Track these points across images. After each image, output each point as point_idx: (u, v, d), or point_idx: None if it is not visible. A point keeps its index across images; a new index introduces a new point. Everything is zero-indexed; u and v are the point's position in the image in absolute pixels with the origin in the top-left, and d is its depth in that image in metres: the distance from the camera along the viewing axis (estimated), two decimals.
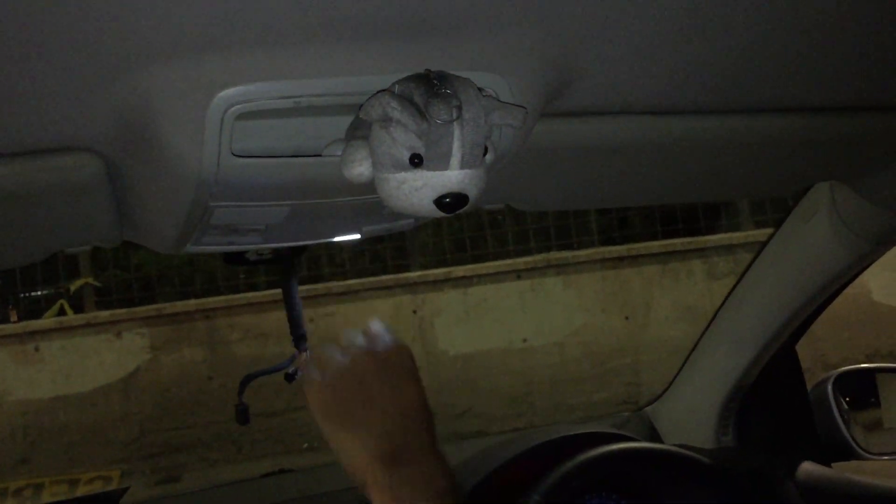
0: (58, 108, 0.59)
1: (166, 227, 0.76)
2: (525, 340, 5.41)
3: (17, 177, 0.65)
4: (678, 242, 5.60)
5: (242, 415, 1.09)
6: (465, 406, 5.34)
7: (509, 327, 5.41)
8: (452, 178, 0.57)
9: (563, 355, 5.40)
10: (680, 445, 1.37)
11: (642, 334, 5.42)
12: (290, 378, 1.06)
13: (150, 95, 0.57)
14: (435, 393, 5.31)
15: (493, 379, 5.34)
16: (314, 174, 0.65)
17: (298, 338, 1.06)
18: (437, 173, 0.57)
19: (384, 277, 5.54)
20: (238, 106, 0.57)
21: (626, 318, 5.45)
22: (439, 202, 0.58)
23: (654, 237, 5.77)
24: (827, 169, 1.04)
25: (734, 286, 1.38)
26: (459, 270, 5.50)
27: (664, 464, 1.29)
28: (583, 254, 5.62)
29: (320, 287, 5.24)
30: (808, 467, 1.38)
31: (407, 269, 5.69)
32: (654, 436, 1.51)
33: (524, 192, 0.91)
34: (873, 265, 1.21)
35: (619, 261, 5.54)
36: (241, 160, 0.61)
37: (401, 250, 5.86)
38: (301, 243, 0.90)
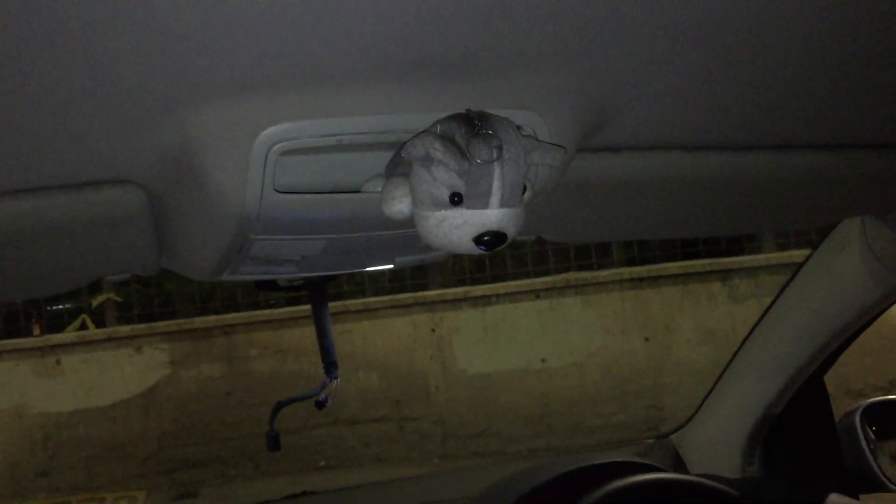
0: (106, 144, 0.60)
1: (205, 258, 0.77)
2: (544, 360, 5.39)
3: (64, 209, 0.67)
4: (698, 264, 5.57)
5: (274, 441, 1.09)
6: (483, 426, 5.32)
7: (528, 347, 5.39)
8: (492, 216, 0.58)
9: (582, 376, 5.38)
10: (705, 476, 1.36)
11: (663, 356, 5.38)
12: (320, 405, 1.07)
13: (196, 133, 0.58)
14: (453, 412, 5.33)
15: (512, 399, 5.32)
16: (354, 209, 0.66)
17: (329, 365, 1.07)
18: (477, 212, 0.57)
19: (403, 296, 5.55)
20: (282, 143, 0.58)
21: (646, 339, 5.42)
22: (478, 240, 0.58)
23: (673, 258, 5.74)
24: (860, 203, 1.04)
25: (762, 315, 1.37)
26: (478, 289, 5.50)
27: (689, 495, 1.28)
28: (602, 274, 5.61)
29: (339, 305, 5.26)
30: (835, 499, 1.36)
31: (426, 287, 5.70)
32: (679, 464, 1.50)
33: (558, 224, 0.91)
34: None
35: (639, 282, 5.52)
36: (284, 196, 0.62)
37: (420, 269, 5.87)
38: (334, 273, 0.91)
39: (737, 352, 1.43)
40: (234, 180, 0.60)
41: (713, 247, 5.69)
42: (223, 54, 0.51)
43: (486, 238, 0.58)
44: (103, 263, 0.82)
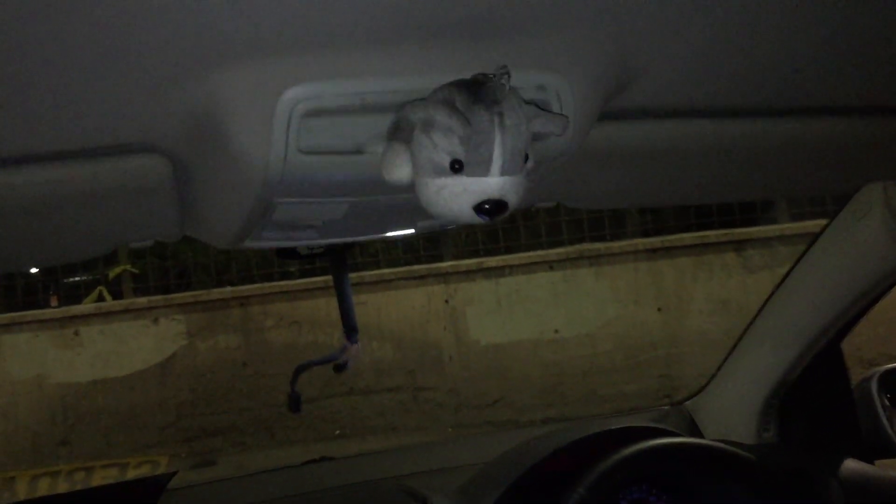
0: (130, 108, 0.61)
1: (228, 223, 0.77)
2: (556, 331, 5.41)
3: (88, 177, 0.67)
4: (712, 235, 5.54)
5: (295, 403, 1.11)
6: (497, 395, 5.35)
7: (541, 318, 5.41)
8: (492, 184, 0.57)
9: (595, 347, 5.39)
10: (721, 441, 1.36)
11: (675, 327, 5.38)
12: (339, 369, 1.08)
13: (220, 95, 0.58)
14: (466, 382, 5.37)
15: (525, 369, 5.35)
16: (376, 170, 0.67)
17: (350, 330, 1.08)
18: (477, 179, 0.57)
19: (417, 267, 5.57)
20: (305, 103, 0.58)
21: (659, 310, 5.42)
22: (479, 208, 0.58)
23: (687, 229, 5.72)
24: (883, 168, 1.04)
25: (780, 282, 1.37)
26: (492, 261, 5.51)
27: (706, 459, 1.28)
28: (616, 245, 5.60)
29: (354, 276, 5.26)
30: (850, 465, 1.37)
31: (439, 258, 5.71)
32: (695, 430, 1.51)
33: (578, 190, 0.91)
34: None
35: (653, 252, 5.51)
36: (307, 156, 0.62)
37: (433, 240, 5.88)
38: (355, 239, 0.92)
39: (754, 318, 1.43)
40: (257, 141, 0.60)
41: (727, 217, 5.66)
42: (248, 13, 0.51)
43: (486, 206, 0.58)
44: (126, 231, 0.83)
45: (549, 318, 5.41)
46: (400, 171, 0.59)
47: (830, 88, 0.77)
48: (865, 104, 0.82)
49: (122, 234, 0.84)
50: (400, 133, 0.60)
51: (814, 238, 1.29)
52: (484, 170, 0.56)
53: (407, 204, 0.76)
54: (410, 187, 0.61)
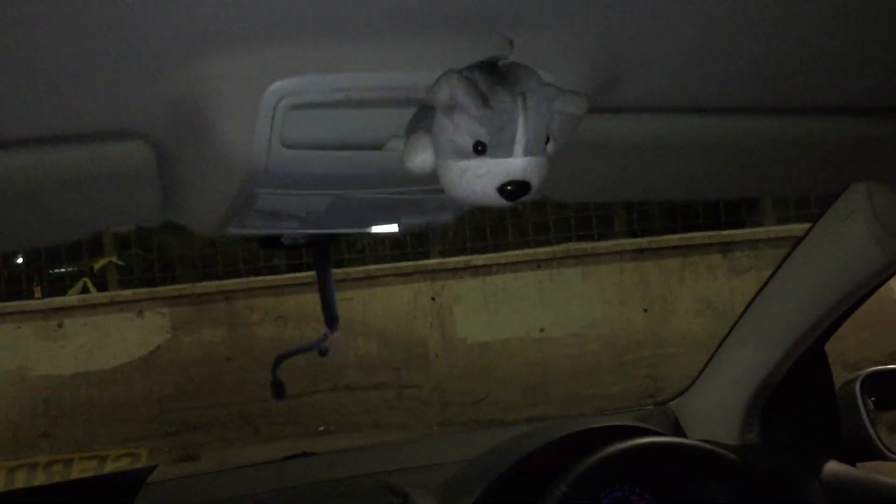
0: (114, 94, 0.60)
1: (210, 211, 0.77)
2: (542, 330, 5.42)
3: (70, 162, 0.67)
4: (699, 236, 5.57)
5: (278, 390, 1.12)
6: (482, 394, 5.36)
7: (527, 317, 5.42)
8: (516, 165, 0.57)
9: (581, 346, 5.41)
10: (705, 441, 1.37)
11: (661, 327, 5.40)
12: (322, 353, 1.09)
13: (205, 85, 0.58)
14: (452, 380, 5.36)
15: (510, 368, 5.36)
16: (360, 167, 0.66)
17: (331, 319, 1.09)
18: (501, 161, 0.57)
19: (404, 264, 5.57)
20: (290, 97, 0.58)
21: (645, 310, 5.44)
22: (502, 190, 0.58)
23: (674, 230, 5.74)
24: (868, 169, 1.04)
25: (765, 283, 1.37)
26: (479, 259, 5.51)
27: (689, 459, 1.29)
28: (602, 245, 5.62)
29: (340, 272, 5.26)
30: (833, 467, 1.37)
31: (426, 256, 5.71)
32: (678, 431, 1.51)
33: (565, 183, 0.91)
34: None
35: (639, 253, 5.53)
36: (291, 150, 0.62)
37: (421, 237, 5.87)
38: (338, 231, 0.91)
39: (738, 319, 1.43)
40: (241, 133, 0.60)
41: (713, 219, 5.69)
42: (235, 4, 0.51)
43: (509, 188, 0.57)
44: (109, 215, 0.83)
45: (535, 317, 5.42)
46: (422, 156, 0.59)
47: (819, 88, 0.77)
48: (853, 105, 0.82)
49: (104, 218, 0.84)
50: (421, 122, 0.60)
51: (798, 239, 1.30)
52: (507, 151, 0.56)
53: (390, 200, 0.76)
54: (412, 178, 0.60)
